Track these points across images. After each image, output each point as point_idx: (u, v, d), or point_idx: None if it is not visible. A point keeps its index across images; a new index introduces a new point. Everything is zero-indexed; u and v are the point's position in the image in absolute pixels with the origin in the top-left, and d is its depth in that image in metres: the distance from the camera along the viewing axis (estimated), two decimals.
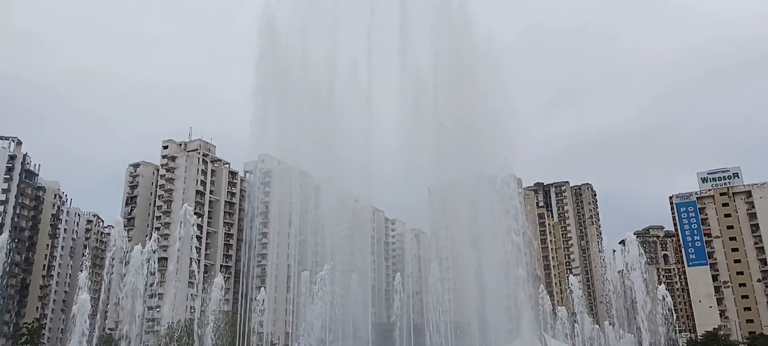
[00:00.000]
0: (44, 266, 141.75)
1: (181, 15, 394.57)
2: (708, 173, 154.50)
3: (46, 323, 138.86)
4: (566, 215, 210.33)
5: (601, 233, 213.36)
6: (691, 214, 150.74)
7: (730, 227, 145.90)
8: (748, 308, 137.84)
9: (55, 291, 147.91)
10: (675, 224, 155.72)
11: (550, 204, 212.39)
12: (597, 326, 61.60)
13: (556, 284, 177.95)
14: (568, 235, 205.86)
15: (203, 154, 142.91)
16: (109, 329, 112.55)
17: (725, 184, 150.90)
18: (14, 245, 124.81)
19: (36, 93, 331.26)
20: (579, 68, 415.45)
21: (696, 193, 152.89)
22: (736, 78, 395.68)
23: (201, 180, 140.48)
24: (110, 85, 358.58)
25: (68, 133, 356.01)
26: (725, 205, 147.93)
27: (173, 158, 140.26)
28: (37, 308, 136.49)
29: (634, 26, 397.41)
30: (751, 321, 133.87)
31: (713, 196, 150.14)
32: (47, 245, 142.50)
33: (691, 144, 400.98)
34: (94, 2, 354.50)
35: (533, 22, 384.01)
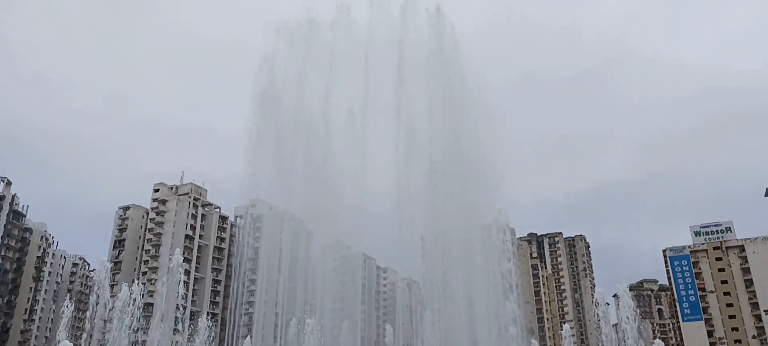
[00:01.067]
0: (26, 309, 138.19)
1: (179, 58, 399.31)
2: (701, 227, 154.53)
3: None
4: (560, 266, 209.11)
5: (594, 286, 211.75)
6: (684, 267, 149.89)
7: (724, 282, 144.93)
8: None
9: (36, 336, 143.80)
10: (669, 278, 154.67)
11: (544, 255, 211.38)
12: None
13: (549, 337, 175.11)
14: (562, 287, 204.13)
15: (194, 199, 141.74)
16: None
17: (718, 238, 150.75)
18: None
19: (33, 134, 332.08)
20: (573, 120, 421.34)
21: (689, 246, 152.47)
22: (727, 132, 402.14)
23: (191, 225, 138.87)
24: (106, 127, 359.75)
25: (62, 173, 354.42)
26: (719, 259, 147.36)
27: (164, 202, 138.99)
28: None
29: (627, 79, 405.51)
30: None
31: (706, 250, 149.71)
32: (31, 287, 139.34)
33: (683, 197, 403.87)
34: (96, 47, 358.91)
35: (528, 73, 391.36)
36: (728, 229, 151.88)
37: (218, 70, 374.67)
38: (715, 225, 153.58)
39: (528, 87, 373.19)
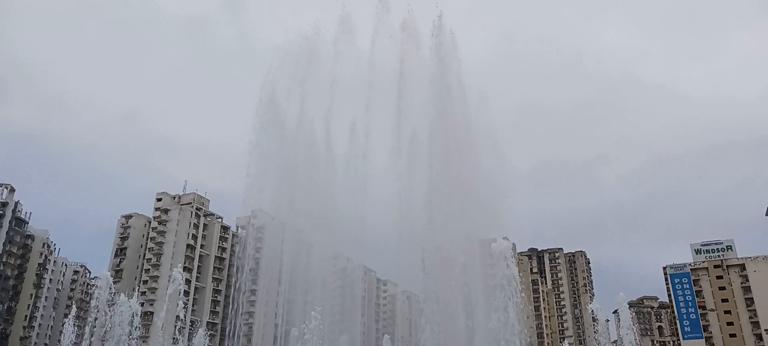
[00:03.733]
0: (26, 316, 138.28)
1: (183, 69, 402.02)
2: (701, 245, 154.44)
3: None
4: (560, 282, 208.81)
5: (594, 302, 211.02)
6: (685, 285, 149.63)
7: (724, 300, 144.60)
8: None
9: (36, 343, 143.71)
10: (669, 295, 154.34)
11: (544, 270, 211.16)
12: None
13: None
14: (562, 302, 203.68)
15: (196, 208, 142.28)
16: None
17: (719, 256, 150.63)
18: None
19: (45, 149, 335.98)
20: (572, 145, 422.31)
21: (690, 264, 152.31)
22: (726, 156, 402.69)
23: (192, 234, 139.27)
24: (116, 142, 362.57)
25: (69, 185, 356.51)
26: (719, 277, 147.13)
27: (166, 211, 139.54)
28: None
29: (626, 106, 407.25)
30: None
31: (707, 268, 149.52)
32: (31, 294, 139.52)
33: (683, 217, 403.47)
34: (112, 66, 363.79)
35: (528, 102, 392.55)
36: (729, 247, 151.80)
37: (225, 85, 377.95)
38: (716, 243, 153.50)
39: (528, 115, 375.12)
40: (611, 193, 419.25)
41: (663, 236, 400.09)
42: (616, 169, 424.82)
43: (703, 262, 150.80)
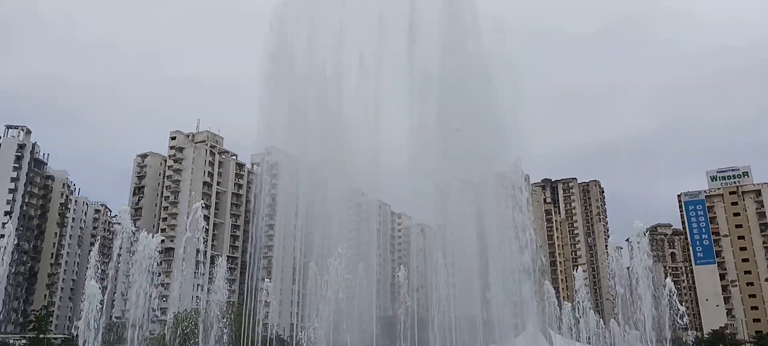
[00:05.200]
0: (52, 254, 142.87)
1: (196, 10, 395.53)
2: (717, 172, 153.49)
3: (53, 311, 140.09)
4: (573, 211, 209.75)
5: (608, 230, 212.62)
6: (699, 212, 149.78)
7: (738, 226, 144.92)
8: (755, 308, 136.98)
9: (63, 279, 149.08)
10: (683, 223, 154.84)
11: (558, 200, 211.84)
12: (602, 321, 61.42)
13: (561, 280, 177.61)
14: (575, 231, 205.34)
15: (211, 146, 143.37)
16: (116, 317, 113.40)
17: (735, 182, 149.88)
18: (23, 233, 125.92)
19: (62, 92, 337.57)
20: (586, 75, 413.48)
21: (705, 191, 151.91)
22: (743, 83, 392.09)
23: (208, 172, 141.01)
24: (132, 84, 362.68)
25: (85, 126, 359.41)
26: (734, 203, 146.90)
27: (181, 149, 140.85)
28: (45, 295, 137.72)
29: (640, 35, 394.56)
30: (758, 320, 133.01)
31: (722, 194, 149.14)
32: (55, 233, 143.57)
33: (700, 145, 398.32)
34: (128, 11, 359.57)
35: (543, 29, 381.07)
36: (746, 173, 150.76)
37: (236, 22, 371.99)
38: (732, 170, 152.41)
39: (542, 43, 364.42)
40: (627, 122, 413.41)
41: (679, 165, 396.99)
42: (630, 98, 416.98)
43: (719, 189, 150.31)
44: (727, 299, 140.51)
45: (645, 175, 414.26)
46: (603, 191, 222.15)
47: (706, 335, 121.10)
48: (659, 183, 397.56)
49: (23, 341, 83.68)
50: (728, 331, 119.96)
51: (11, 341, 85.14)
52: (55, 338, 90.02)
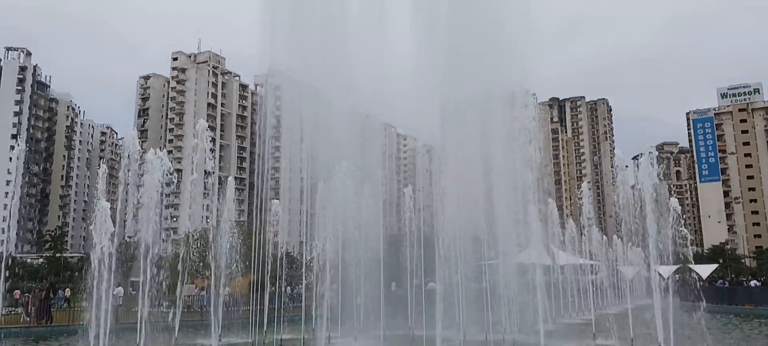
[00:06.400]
0: (62, 176, 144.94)
1: None
2: (728, 89, 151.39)
3: (68, 231, 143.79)
4: (580, 130, 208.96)
5: (614, 149, 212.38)
6: (707, 130, 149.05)
7: (746, 143, 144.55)
8: (757, 223, 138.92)
9: (75, 200, 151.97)
10: (690, 141, 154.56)
11: (565, 119, 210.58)
12: (605, 237, 62.59)
13: (566, 199, 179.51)
14: (581, 150, 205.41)
15: (213, 67, 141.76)
16: (128, 237, 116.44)
17: (745, 99, 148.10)
18: (31, 156, 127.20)
19: (60, 14, 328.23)
20: None
21: (714, 109, 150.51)
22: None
23: (212, 93, 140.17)
24: (131, 6, 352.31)
25: (78, 46, 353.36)
26: (743, 121, 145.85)
27: (183, 70, 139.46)
28: (59, 216, 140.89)
29: None
30: (759, 236, 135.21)
31: (731, 112, 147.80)
32: (64, 156, 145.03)
33: (710, 65, 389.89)
34: None
35: None
36: (757, 90, 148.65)
37: None
38: (743, 86, 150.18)
39: None
40: (634, 41, 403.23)
41: (689, 85, 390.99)
42: (638, 16, 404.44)
43: (728, 106, 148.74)
44: (729, 216, 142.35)
45: (654, 95, 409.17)
46: (610, 110, 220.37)
47: (706, 251, 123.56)
48: (668, 102, 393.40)
49: (41, 259, 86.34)
50: (729, 246, 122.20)
51: (29, 260, 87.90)
52: (72, 257, 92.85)
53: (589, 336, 25.11)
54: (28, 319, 31.09)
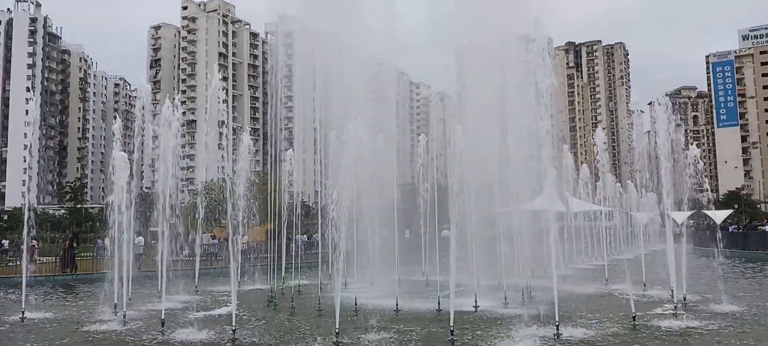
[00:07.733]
0: (79, 128, 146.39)
1: None
2: (749, 30, 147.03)
3: (87, 183, 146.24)
4: (596, 75, 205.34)
5: (630, 94, 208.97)
6: (727, 73, 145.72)
7: (765, 87, 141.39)
8: None
9: (92, 152, 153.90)
10: (709, 85, 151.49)
11: (581, 64, 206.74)
12: (619, 184, 62.28)
13: (581, 145, 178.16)
14: (597, 96, 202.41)
15: (223, 15, 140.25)
16: (146, 188, 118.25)
17: (767, 42, 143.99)
18: (46, 108, 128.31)
19: None
20: None
21: (735, 52, 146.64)
22: None
23: (222, 42, 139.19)
24: None
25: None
26: (764, 63, 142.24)
27: (193, 19, 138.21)
28: (77, 168, 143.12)
29: None
30: None
31: (753, 54, 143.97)
32: (79, 108, 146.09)
33: (731, 4, 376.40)
34: None
35: None
36: None
37: None
38: (765, 28, 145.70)
39: None
40: None
41: (708, 27, 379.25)
42: None
43: (750, 49, 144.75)
44: (746, 162, 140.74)
45: (673, 37, 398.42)
46: (627, 54, 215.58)
47: (721, 196, 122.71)
48: (687, 46, 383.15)
49: (62, 211, 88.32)
50: (744, 192, 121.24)
51: (51, 211, 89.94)
52: (92, 208, 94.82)
53: (602, 280, 25.39)
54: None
